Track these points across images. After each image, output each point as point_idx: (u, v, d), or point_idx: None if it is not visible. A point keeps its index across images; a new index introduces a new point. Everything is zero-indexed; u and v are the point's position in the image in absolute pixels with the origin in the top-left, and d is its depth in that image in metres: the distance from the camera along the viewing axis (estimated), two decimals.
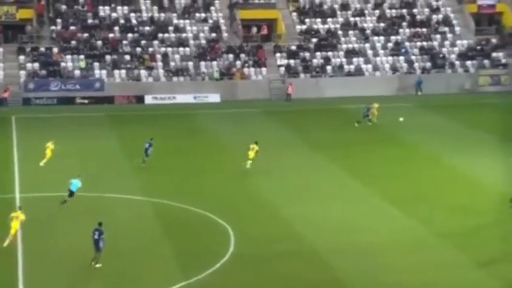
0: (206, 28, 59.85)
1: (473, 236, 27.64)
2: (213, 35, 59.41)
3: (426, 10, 62.01)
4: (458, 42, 59.80)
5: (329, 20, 61.12)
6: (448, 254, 25.92)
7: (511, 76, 57.20)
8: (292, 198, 32.25)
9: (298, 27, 60.43)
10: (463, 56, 58.66)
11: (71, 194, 29.92)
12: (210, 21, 60.42)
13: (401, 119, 45.31)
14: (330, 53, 58.69)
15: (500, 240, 27.10)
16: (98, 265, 24.36)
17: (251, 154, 35.78)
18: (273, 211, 30.54)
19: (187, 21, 60.13)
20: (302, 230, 28.35)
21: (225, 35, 59.69)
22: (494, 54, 58.80)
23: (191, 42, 58.81)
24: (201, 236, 27.83)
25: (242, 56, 58.12)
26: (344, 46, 59.29)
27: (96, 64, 56.40)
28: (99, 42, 57.73)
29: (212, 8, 61.34)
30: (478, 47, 59.34)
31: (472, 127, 45.09)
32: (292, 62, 58.15)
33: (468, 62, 58.37)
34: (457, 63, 58.37)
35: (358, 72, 57.75)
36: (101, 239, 24.24)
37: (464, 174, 35.27)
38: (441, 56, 58.56)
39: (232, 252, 26.08)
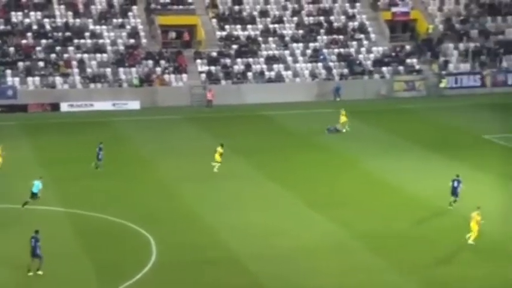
0: (124, 34, 58.86)
1: (391, 238, 28.17)
2: (132, 40, 58.49)
3: (342, 17, 63.26)
4: (374, 48, 61.29)
5: (249, 26, 61.36)
6: (367, 257, 26.32)
7: (425, 82, 59.09)
8: (215, 205, 32.02)
9: (218, 34, 60.36)
10: (378, 63, 60.17)
11: (33, 195, 30.43)
12: (128, 27, 59.48)
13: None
14: (250, 60, 58.89)
15: (416, 243, 27.78)
16: (39, 272, 24.23)
17: (217, 157, 36.01)
18: (196, 219, 30.22)
19: (104, 27, 58.96)
20: (225, 236, 28.17)
21: (143, 41, 58.88)
22: (408, 61, 60.60)
23: (109, 48, 57.69)
24: (122, 247, 27.19)
25: (162, 62, 57.48)
26: (264, 53, 59.64)
27: (9, 71, 54.43)
28: (12, 49, 55.75)
29: (130, 13, 60.41)
30: (393, 54, 61.02)
31: (389, 132, 46.15)
32: (213, 68, 57.99)
33: (384, 68, 59.91)
34: (373, 69, 59.80)
35: (279, 78, 58.22)
36: (37, 246, 24.23)
37: (382, 179, 35.98)
38: (358, 62, 59.87)
39: (154, 261, 25.63)
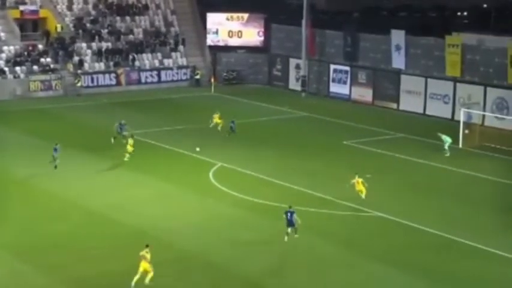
0: None
1: (37, 243, 27.99)
2: None
3: None
4: (5, 48, 58.94)
5: None
6: (14, 265, 25.88)
7: (62, 81, 58.95)
8: None
9: None
10: (11, 62, 58.06)
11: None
12: None
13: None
14: None
15: (66, 245, 28.04)
16: None
17: (129, 148, 37.94)
18: None
19: None
20: None
21: None
22: (43, 60, 59.70)
23: None
24: None
25: None
26: None
27: None
28: None
29: None
30: (26, 53, 59.45)
31: (29, 133, 45.05)
32: None
33: (17, 68, 58.04)
34: (7, 69, 57.51)
35: None
36: None
37: (27, 183, 35.17)
38: None
39: None
